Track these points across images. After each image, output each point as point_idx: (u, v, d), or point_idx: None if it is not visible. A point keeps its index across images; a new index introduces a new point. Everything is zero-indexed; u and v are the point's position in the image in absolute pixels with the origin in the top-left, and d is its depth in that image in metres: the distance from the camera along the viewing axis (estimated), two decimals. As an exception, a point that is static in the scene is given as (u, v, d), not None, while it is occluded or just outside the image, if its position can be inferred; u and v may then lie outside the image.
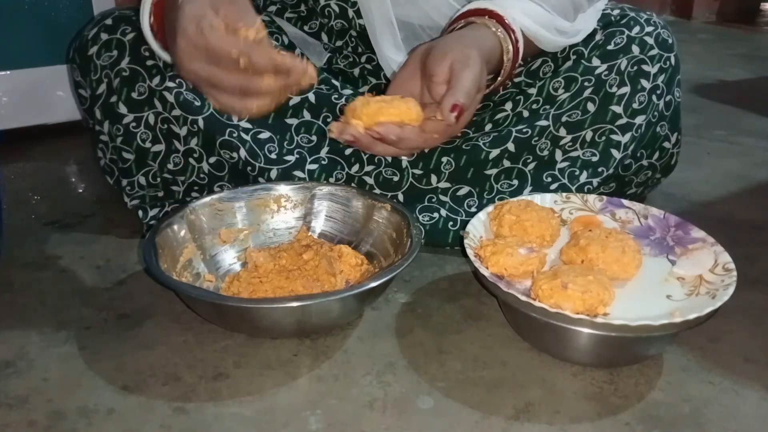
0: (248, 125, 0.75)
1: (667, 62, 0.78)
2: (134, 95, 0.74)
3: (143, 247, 0.62)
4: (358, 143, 0.68)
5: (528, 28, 0.74)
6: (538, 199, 0.71)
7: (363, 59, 0.87)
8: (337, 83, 0.81)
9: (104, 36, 0.75)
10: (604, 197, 0.71)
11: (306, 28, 0.85)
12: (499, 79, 0.75)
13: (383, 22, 0.79)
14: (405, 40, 0.82)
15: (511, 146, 0.75)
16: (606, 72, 0.77)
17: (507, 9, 0.73)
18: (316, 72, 0.61)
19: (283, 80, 0.59)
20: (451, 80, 0.66)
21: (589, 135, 0.76)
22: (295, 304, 0.56)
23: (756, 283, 0.72)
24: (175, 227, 0.66)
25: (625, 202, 0.71)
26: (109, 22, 0.76)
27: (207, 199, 0.69)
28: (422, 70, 0.71)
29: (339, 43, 0.86)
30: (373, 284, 0.58)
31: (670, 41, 0.79)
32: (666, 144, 0.82)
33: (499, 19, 0.72)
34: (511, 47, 0.73)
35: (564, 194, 0.72)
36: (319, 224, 0.73)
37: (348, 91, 0.81)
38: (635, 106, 0.76)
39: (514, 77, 0.80)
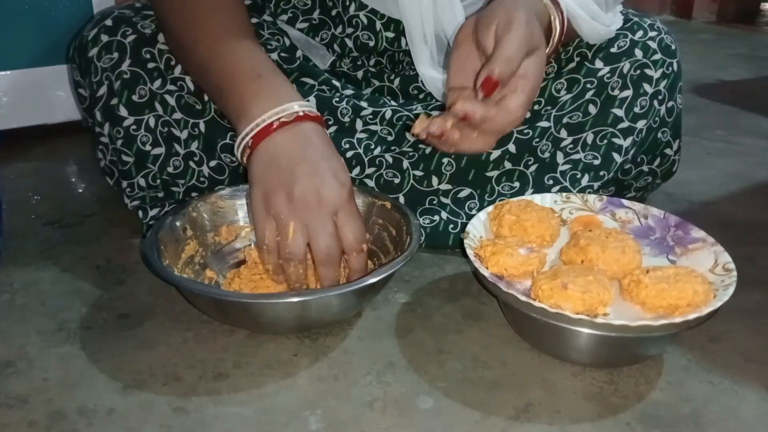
0: None
1: (670, 68, 0.78)
2: (135, 98, 0.74)
3: (145, 244, 0.62)
4: (445, 137, 0.64)
5: (568, 6, 0.71)
6: (538, 199, 0.71)
7: (371, 62, 0.86)
8: (338, 84, 0.81)
9: (105, 38, 0.75)
10: (604, 197, 0.71)
11: (317, 38, 0.84)
12: (547, 49, 0.70)
13: (420, 39, 0.78)
14: (438, 59, 0.81)
15: (512, 147, 0.75)
16: (608, 74, 0.76)
17: None
18: None
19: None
20: (494, 48, 0.62)
21: (590, 137, 0.76)
22: (295, 299, 0.56)
23: (756, 283, 0.72)
24: (177, 224, 0.66)
25: (626, 202, 0.71)
26: (109, 23, 0.75)
27: (208, 196, 0.69)
28: (476, 45, 0.67)
29: (353, 55, 0.85)
30: (373, 280, 0.58)
31: (673, 47, 0.79)
32: (668, 151, 0.82)
33: None
34: (557, 14, 0.69)
35: (564, 194, 0.72)
36: (319, 223, 0.73)
37: (349, 92, 0.81)
38: (636, 110, 0.76)
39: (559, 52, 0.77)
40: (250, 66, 0.65)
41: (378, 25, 0.81)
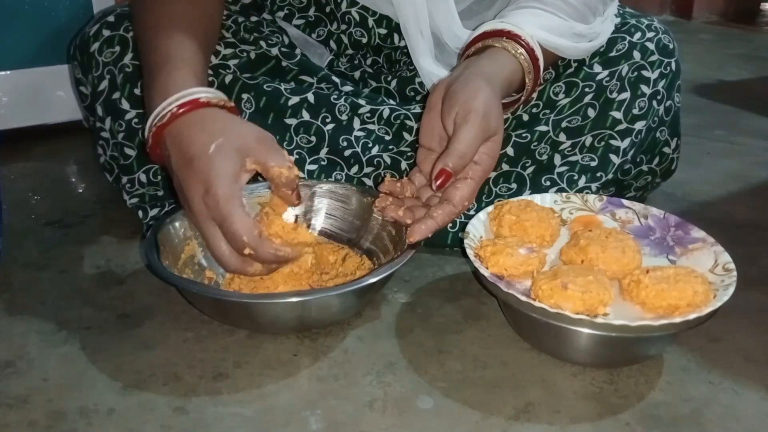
0: None
1: (668, 68, 0.78)
2: (137, 91, 0.74)
3: (145, 244, 0.62)
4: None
5: (547, 41, 0.71)
6: (538, 199, 0.71)
7: (367, 62, 0.87)
8: (337, 80, 0.81)
9: (106, 32, 0.75)
10: (604, 197, 0.71)
11: (314, 35, 0.85)
12: (522, 98, 0.72)
13: (417, 33, 0.78)
14: (436, 54, 0.80)
15: (510, 151, 0.75)
16: (607, 78, 0.76)
17: (523, 27, 0.69)
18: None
19: (274, 268, 0.60)
20: (450, 140, 0.62)
21: (588, 140, 0.76)
22: (295, 299, 0.56)
23: (756, 283, 0.72)
24: (177, 224, 0.66)
25: (625, 202, 0.71)
26: (111, 19, 0.76)
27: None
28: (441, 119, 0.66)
29: (349, 52, 0.85)
30: (373, 280, 0.58)
31: (671, 46, 0.79)
32: (666, 149, 0.82)
33: (517, 39, 0.69)
34: (532, 67, 0.70)
35: (564, 194, 0.72)
36: (319, 222, 0.73)
37: (348, 88, 0.81)
38: (635, 111, 0.76)
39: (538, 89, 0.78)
40: (155, 62, 0.63)
41: (370, 21, 0.82)
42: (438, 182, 0.61)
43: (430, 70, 0.79)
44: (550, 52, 0.73)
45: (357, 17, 0.81)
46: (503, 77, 0.67)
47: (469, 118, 0.61)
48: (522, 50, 0.69)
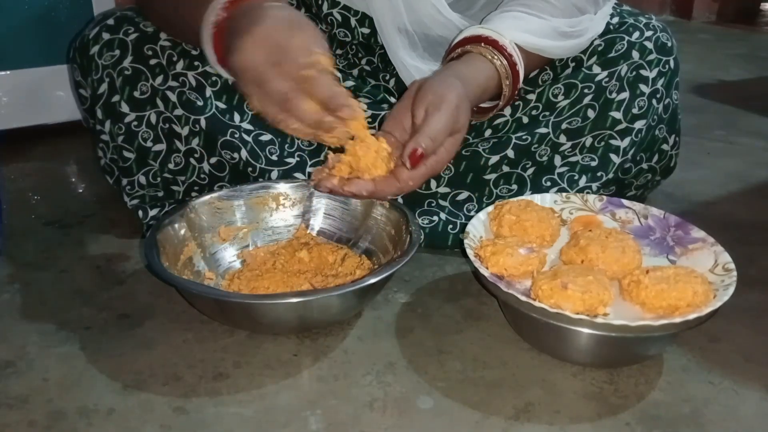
0: (250, 126, 0.75)
1: (666, 66, 0.78)
2: (136, 94, 0.74)
3: (145, 245, 0.62)
4: (336, 194, 0.64)
5: (528, 44, 0.72)
6: (538, 199, 0.71)
7: (363, 62, 0.87)
8: (338, 75, 0.81)
9: (106, 36, 0.75)
10: (604, 197, 0.71)
11: None
12: (500, 103, 0.73)
13: (393, 30, 0.78)
14: (423, 47, 0.81)
15: (510, 153, 0.75)
16: (606, 78, 0.76)
17: (503, 32, 0.70)
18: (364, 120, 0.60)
19: (326, 115, 0.57)
20: (422, 124, 0.63)
21: (588, 141, 0.76)
22: (295, 299, 0.56)
23: (756, 283, 0.72)
24: (176, 225, 0.66)
25: (625, 202, 0.71)
26: (111, 22, 0.76)
27: (207, 197, 0.69)
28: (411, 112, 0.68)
29: (339, 52, 0.86)
30: (373, 280, 0.58)
31: (670, 44, 0.79)
32: (665, 146, 0.82)
33: (495, 45, 0.70)
34: (510, 73, 0.70)
35: (564, 194, 0.72)
36: (317, 222, 0.73)
37: (350, 83, 0.81)
38: (635, 111, 0.76)
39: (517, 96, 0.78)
40: None
41: (352, 21, 0.82)
42: (410, 162, 0.61)
43: (413, 63, 0.79)
44: (535, 54, 0.73)
45: (339, 18, 0.82)
46: (476, 84, 0.69)
47: (442, 107, 0.62)
48: (499, 56, 0.70)
